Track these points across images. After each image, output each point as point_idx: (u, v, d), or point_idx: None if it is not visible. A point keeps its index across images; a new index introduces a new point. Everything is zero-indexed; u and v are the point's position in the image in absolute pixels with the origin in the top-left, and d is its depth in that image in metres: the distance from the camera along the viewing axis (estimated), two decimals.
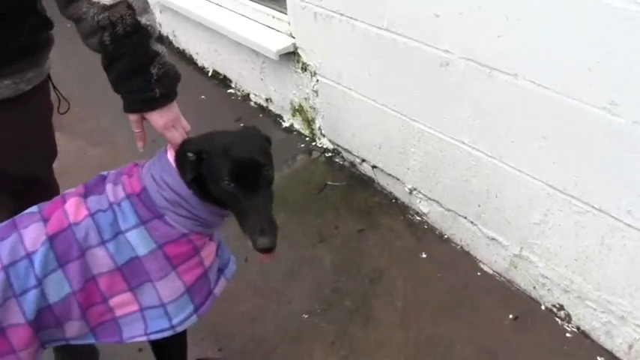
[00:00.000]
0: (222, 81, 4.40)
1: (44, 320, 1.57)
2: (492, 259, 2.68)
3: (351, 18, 2.87)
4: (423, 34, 2.52)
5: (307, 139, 3.67)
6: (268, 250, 1.50)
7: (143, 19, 1.54)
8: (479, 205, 2.63)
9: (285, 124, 3.82)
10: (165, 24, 4.81)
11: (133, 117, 1.64)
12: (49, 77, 1.99)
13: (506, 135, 2.35)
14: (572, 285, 2.36)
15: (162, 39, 1.63)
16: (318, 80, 3.31)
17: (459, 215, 2.76)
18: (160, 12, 4.69)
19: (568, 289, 2.38)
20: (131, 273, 1.63)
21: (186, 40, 4.67)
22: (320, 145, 3.57)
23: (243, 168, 1.54)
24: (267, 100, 3.94)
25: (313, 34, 3.20)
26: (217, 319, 2.59)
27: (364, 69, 2.95)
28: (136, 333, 1.70)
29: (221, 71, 4.38)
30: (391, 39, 2.68)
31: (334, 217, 3.09)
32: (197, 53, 4.58)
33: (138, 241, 1.61)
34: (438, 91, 2.57)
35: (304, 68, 3.37)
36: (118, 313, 1.68)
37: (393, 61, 2.74)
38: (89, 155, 3.70)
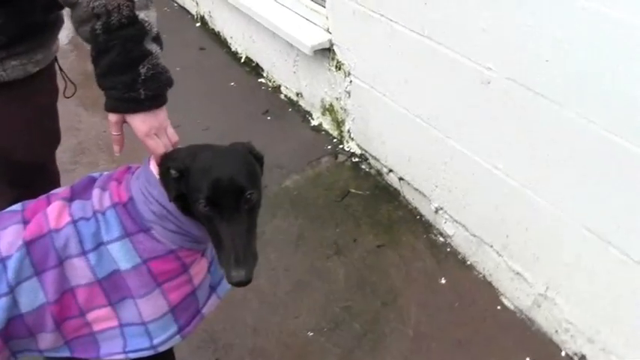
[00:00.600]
0: (254, 69, 4.24)
1: (15, 330, 1.46)
2: (515, 294, 2.50)
3: (391, 20, 2.70)
4: (466, 47, 2.34)
5: (335, 140, 3.50)
6: (242, 284, 1.33)
7: (141, 14, 1.41)
8: (507, 236, 2.45)
9: (314, 123, 3.65)
10: (201, 3, 4.69)
11: (112, 117, 1.50)
12: (55, 60, 1.90)
13: (543, 166, 2.16)
14: (598, 335, 2.17)
15: (160, 40, 1.49)
16: (351, 81, 3.14)
17: (485, 243, 2.58)
18: None
19: (593, 339, 2.19)
20: (112, 287, 1.51)
21: (221, 22, 4.52)
22: (347, 149, 3.40)
23: (221, 190, 1.38)
24: (297, 94, 3.78)
25: (351, 32, 3.03)
26: (217, 327, 2.48)
27: (400, 75, 2.77)
28: (113, 350, 1.58)
29: (254, 59, 4.22)
30: (431, 48, 2.50)
31: (354, 229, 2.93)
32: (231, 37, 4.44)
33: (120, 255, 1.48)
34: (475, 110, 2.39)
35: (338, 67, 3.20)
36: (96, 327, 1.55)
37: (431, 72, 2.56)
38: (109, 134, 3.58)
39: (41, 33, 1.73)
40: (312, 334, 2.45)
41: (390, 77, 2.85)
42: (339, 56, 3.17)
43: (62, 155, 2.32)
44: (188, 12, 5.11)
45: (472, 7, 2.23)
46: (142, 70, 1.42)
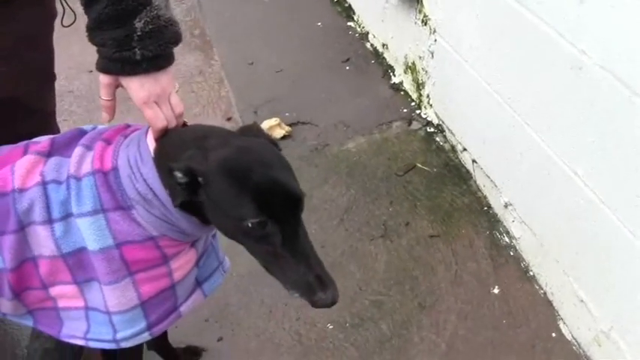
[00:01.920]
0: (345, 10, 3.86)
1: None
2: (576, 323, 2.09)
3: None
4: (559, 20, 1.88)
5: (413, 104, 3.10)
6: (331, 306, 1.15)
7: None
8: (577, 253, 2.02)
9: (395, 80, 3.26)
10: None
11: (104, 79, 1.25)
12: None
13: (630, 184, 1.72)
14: None
15: None
16: (436, 40, 2.72)
17: (552, 255, 2.16)
18: None
19: None
20: (77, 265, 1.29)
21: None
22: (424, 116, 3.00)
23: (276, 204, 1.12)
24: (383, 45, 3.38)
25: None
26: (231, 300, 2.26)
27: (485, 42, 2.33)
28: (75, 332, 1.39)
29: None
30: (521, 15, 2.06)
31: (409, 210, 2.57)
32: None
33: (90, 233, 1.24)
34: (560, 98, 1.95)
35: (425, 22, 2.78)
36: (61, 304, 1.36)
37: (517, 43, 2.12)
38: (179, 63, 3.37)
39: None
40: (331, 327, 2.17)
41: (474, 42, 2.41)
42: (427, 9, 2.75)
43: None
44: None
45: None
46: (138, 25, 1.17)
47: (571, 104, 1.89)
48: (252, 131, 1.30)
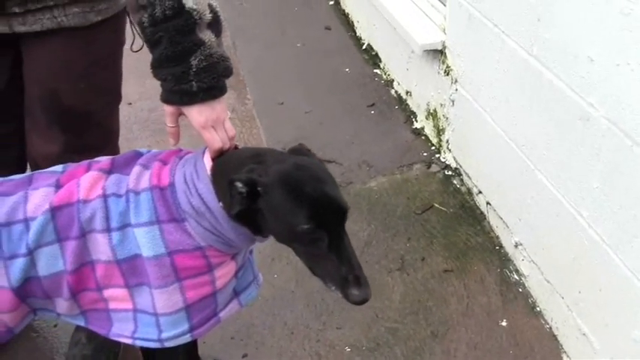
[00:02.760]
0: (372, 57, 4.09)
1: (32, 289, 1.46)
2: (578, 356, 2.23)
3: (502, 32, 2.46)
4: (571, 75, 2.07)
5: (433, 148, 3.29)
6: (364, 303, 1.34)
7: (189, 3, 1.35)
8: (580, 292, 2.18)
9: (416, 125, 3.46)
10: None
11: (168, 109, 1.47)
12: (125, 11, 1.84)
13: (629, 226, 1.89)
14: None
15: (217, 25, 1.43)
16: (457, 89, 2.92)
17: (557, 292, 2.32)
18: None
19: None
20: (130, 270, 1.47)
21: (351, 5, 4.40)
22: (443, 160, 3.19)
23: (327, 212, 1.32)
24: (407, 92, 3.59)
25: (464, 37, 2.81)
26: (256, 321, 2.42)
27: (503, 93, 2.53)
28: (123, 332, 1.56)
29: (375, 47, 4.06)
30: (537, 70, 2.25)
31: (425, 247, 2.74)
32: (358, 22, 4.30)
33: (145, 241, 1.43)
34: (570, 147, 2.13)
35: (447, 72, 2.99)
36: (112, 306, 1.53)
37: (532, 95, 2.31)
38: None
39: None
40: (349, 349, 2.32)
41: (493, 93, 2.61)
42: (450, 60, 2.96)
43: None
44: None
45: (585, 31, 1.96)
46: (194, 62, 1.37)
47: (579, 151, 2.07)
48: (302, 151, 1.50)
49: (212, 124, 1.44)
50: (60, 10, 1.68)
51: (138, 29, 1.44)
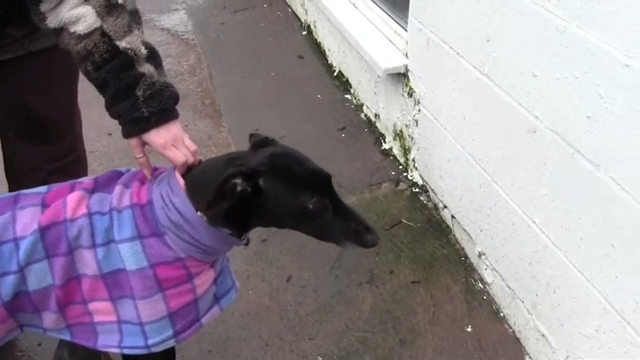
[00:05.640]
0: (343, 84, 4.24)
1: (21, 304, 1.54)
2: (539, 356, 2.34)
3: (457, 53, 2.61)
4: (518, 90, 2.22)
5: (400, 167, 3.43)
6: (376, 244, 1.52)
7: (122, 43, 1.51)
8: (537, 295, 2.30)
9: (385, 146, 3.60)
10: (310, 12, 4.75)
11: (132, 142, 1.59)
12: None
13: (576, 228, 2.02)
14: None
15: (154, 57, 1.57)
16: (420, 110, 3.07)
17: (518, 297, 2.44)
18: (308, 0, 4.62)
19: None
20: (114, 284, 1.56)
21: (323, 34, 4.56)
22: (410, 178, 3.32)
23: (321, 183, 1.51)
24: (375, 115, 3.73)
25: (423, 60, 2.96)
26: (232, 334, 2.51)
27: (460, 111, 2.68)
28: (110, 343, 1.64)
29: (345, 74, 4.22)
30: (489, 87, 2.40)
31: (393, 260, 2.86)
32: (329, 50, 4.46)
33: (128, 255, 1.54)
34: (521, 158, 2.27)
35: (410, 94, 3.13)
36: (97, 319, 1.62)
37: (486, 111, 2.46)
38: (191, 129, 3.70)
39: None
40: (320, 358, 2.42)
41: (452, 112, 2.76)
42: (412, 83, 3.11)
43: None
44: (298, 19, 5.18)
45: (528, 49, 2.11)
46: (139, 93, 1.51)
47: (529, 162, 2.21)
48: (267, 142, 1.64)
49: (172, 143, 1.56)
50: (26, 39, 1.87)
51: (86, 78, 1.57)
